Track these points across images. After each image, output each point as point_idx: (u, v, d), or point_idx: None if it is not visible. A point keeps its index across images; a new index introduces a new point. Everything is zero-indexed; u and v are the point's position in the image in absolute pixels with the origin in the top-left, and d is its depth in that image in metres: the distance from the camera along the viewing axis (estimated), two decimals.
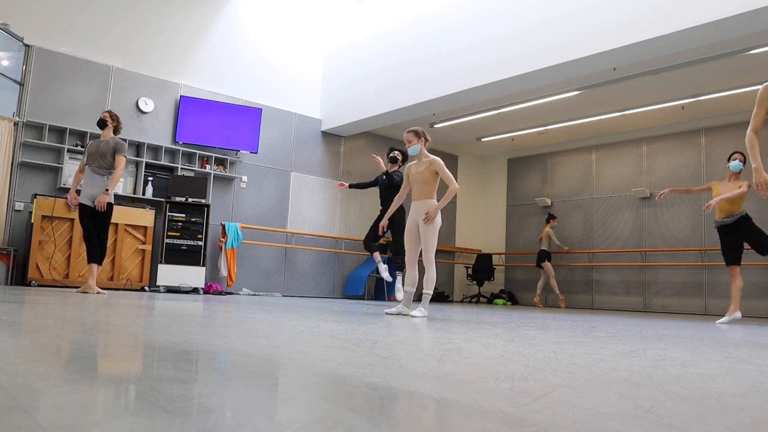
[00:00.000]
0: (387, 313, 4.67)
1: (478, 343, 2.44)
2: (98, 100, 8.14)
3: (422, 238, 4.69)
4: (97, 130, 8.03)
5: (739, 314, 5.88)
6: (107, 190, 5.76)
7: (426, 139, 4.89)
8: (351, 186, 7.81)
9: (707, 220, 9.23)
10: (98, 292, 5.76)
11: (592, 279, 10.58)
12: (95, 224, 5.83)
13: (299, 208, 9.93)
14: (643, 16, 6.02)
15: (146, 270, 7.80)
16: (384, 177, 7.40)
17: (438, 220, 4.74)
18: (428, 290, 4.72)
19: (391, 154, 7.54)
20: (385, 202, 7.31)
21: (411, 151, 4.85)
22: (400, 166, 7.51)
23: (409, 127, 4.91)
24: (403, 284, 7.21)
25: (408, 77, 8.68)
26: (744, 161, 6.01)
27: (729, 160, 6.09)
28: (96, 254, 5.81)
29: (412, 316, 4.49)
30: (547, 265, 10.26)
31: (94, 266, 5.80)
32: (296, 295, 9.59)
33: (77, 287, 7.03)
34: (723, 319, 5.86)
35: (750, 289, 8.63)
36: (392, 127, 10.08)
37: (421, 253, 4.83)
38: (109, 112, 6.11)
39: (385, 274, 7.38)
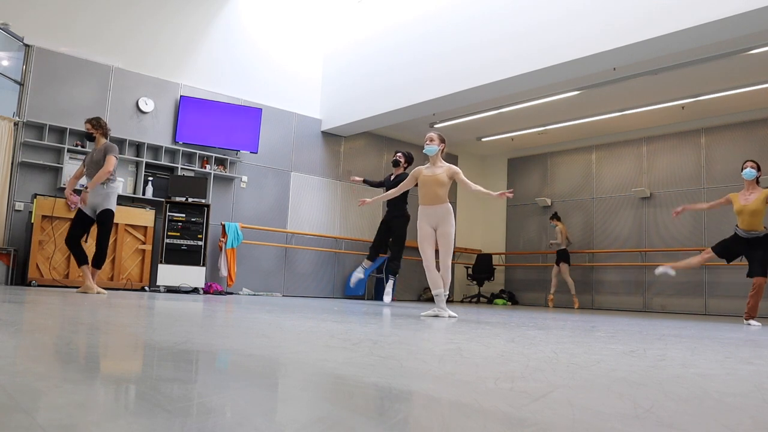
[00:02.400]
0: (423, 316, 4.66)
1: (478, 343, 2.44)
2: (98, 100, 8.14)
3: (444, 241, 4.76)
4: None
5: (672, 272, 5.92)
6: (87, 189, 5.71)
7: (444, 149, 4.98)
8: (365, 181, 7.91)
9: (707, 220, 9.23)
10: (98, 292, 5.75)
11: (592, 279, 10.58)
12: (97, 231, 5.84)
13: (299, 208, 9.93)
14: (643, 16, 6.02)
15: (146, 270, 7.80)
16: (392, 178, 7.44)
17: (454, 223, 4.83)
18: (446, 291, 4.80)
19: (393, 158, 7.59)
20: (390, 205, 7.32)
21: (428, 149, 4.91)
22: (405, 168, 7.54)
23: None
24: (393, 288, 7.37)
25: (408, 77, 8.68)
26: (757, 168, 5.79)
27: (742, 169, 5.86)
28: (81, 258, 5.76)
29: (451, 316, 4.55)
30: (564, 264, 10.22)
31: (85, 268, 5.76)
32: (296, 295, 9.60)
33: (77, 287, 7.03)
34: (660, 269, 5.95)
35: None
36: (392, 127, 10.09)
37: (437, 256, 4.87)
38: (89, 121, 5.98)
39: (387, 299, 7.60)
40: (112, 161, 5.74)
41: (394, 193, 5.31)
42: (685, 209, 6.29)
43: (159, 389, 1.11)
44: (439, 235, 4.79)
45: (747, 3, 5.25)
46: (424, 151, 5.00)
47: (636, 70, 7.39)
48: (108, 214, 5.82)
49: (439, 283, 4.76)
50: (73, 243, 5.77)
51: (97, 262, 5.85)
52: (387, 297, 7.57)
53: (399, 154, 7.58)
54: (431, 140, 4.93)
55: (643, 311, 9.55)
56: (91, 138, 5.97)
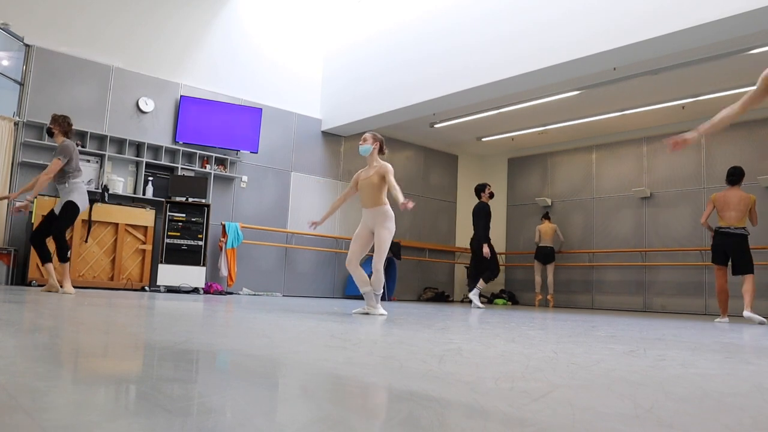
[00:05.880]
0: (354, 313, 4.66)
1: (478, 343, 2.44)
2: (98, 100, 8.14)
3: (377, 243, 4.58)
4: (97, 130, 8.04)
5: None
6: (28, 199, 5.59)
7: (381, 149, 4.79)
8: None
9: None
10: (65, 292, 5.52)
11: (592, 279, 10.58)
12: (53, 220, 5.64)
13: (299, 208, 9.93)
14: (643, 16, 6.02)
15: (146, 270, 7.80)
16: (486, 208, 8.17)
17: (392, 227, 4.64)
18: (378, 291, 4.68)
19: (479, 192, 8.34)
20: (475, 230, 8.23)
21: (362, 150, 4.78)
22: (489, 198, 8.31)
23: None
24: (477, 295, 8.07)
25: (408, 77, 8.68)
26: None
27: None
28: (44, 256, 5.61)
29: (380, 314, 4.51)
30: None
31: (49, 266, 5.61)
32: (296, 295, 9.59)
33: (78, 287, 7.03)
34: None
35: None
36: (392, 127, 10.09)
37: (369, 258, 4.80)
38: (53, 117, 5.75)
39: (476, 299, 8.16)
40: (53, 166, 5.49)
41: (341, 199, 5.12)
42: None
43: (159, 389, 1.11)
44: (375, 237, 4.64)
45: (747, 3, 5.25)
46: (359, 151, 4.86)
47: (636, 70, 7.39)
48: (67, 206, 5.58)
49: (364, 280, 4.67)
50: (36, 241, 5.63)
51: (60, 255, 5.59)
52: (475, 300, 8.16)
53: (480, 189, 8.32)
54: (364, 140, 4.77)
55: (644, 311, 9.55)
56: (50, 133, 5.74)
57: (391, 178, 4.60)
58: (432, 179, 12.02)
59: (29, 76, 7.62)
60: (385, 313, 4.67)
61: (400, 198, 4.38)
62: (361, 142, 4.82)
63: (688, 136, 3.10)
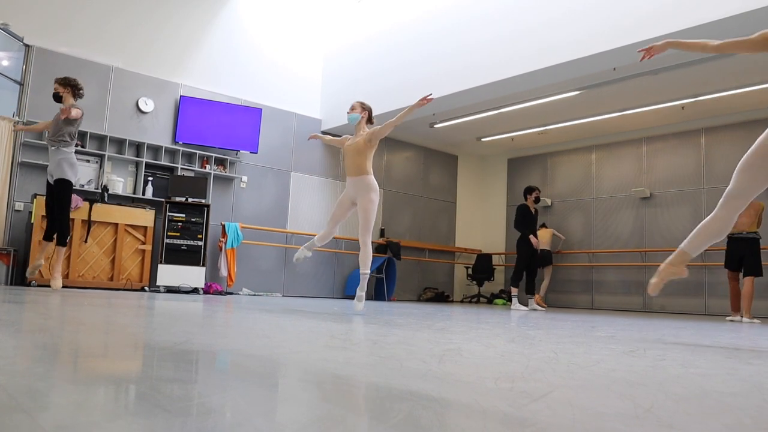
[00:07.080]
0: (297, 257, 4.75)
1: (478, 343, 2.44)
2: (98, 100, 8.13)
3: (362, 216, 4.45)
4: (97, 130, 8.04)
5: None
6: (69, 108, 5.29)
7: (370, 118, 4.73)
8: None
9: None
10: (53, 287, 5.57)
11: (592, 279, 10.58)
12: (55, 203, 5.56)
13: (299, 208, 9.93)
14: (644, 16, 6.02)
15: (146, 270, 7.80)
16: (522, 210, 8.34)
17: (375, 198, 4.51)
18: (365, 270, 4.49)
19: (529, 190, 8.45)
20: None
21: (350, 118, 4.70)
22: (536, 201, 8.44)
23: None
24: (514, 296, 8.19)
25: (408, 77, 8.68)
26: None
27: None
28: (50, 233, 5.57)
29: (356, 312, 4.36)
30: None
31: (45, 245, 5.61)
32: (296, 295, 9.59)
33: (77, 287, 7.02)
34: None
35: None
36: None
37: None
38: (59, 79, 5.59)
39: (522, 305, 8.31)
40: (78, 110, 5.33)
41: (333, 141, 5.19)
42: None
43: (159, 389, 1.11)
44: (358, 209, 4.50)
45: (747, 3, 5.25)
46: (347, 119, 4.75)
47: (636, 70, 7.39)
48: (63, 184, 5.48)
49: (324, 237, 4.73)
50: (51, 216, 5.60)
51: (60, 238, 5.52)
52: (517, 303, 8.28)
53: (527, 192, 8.44)
54: (352, 109, 4.70)
55: (643, 311, 9.55)
56: (58, 98, 5.55)
57: (378, 129, 4.51)
58: (432, 179, 12.02)
59: (29, 76, 7.62)
60: (362, 312, 4.44)
61: (412, 107, 4.32)
62: (349, 111, 4.73)
63: (655, 44, 3.08)
